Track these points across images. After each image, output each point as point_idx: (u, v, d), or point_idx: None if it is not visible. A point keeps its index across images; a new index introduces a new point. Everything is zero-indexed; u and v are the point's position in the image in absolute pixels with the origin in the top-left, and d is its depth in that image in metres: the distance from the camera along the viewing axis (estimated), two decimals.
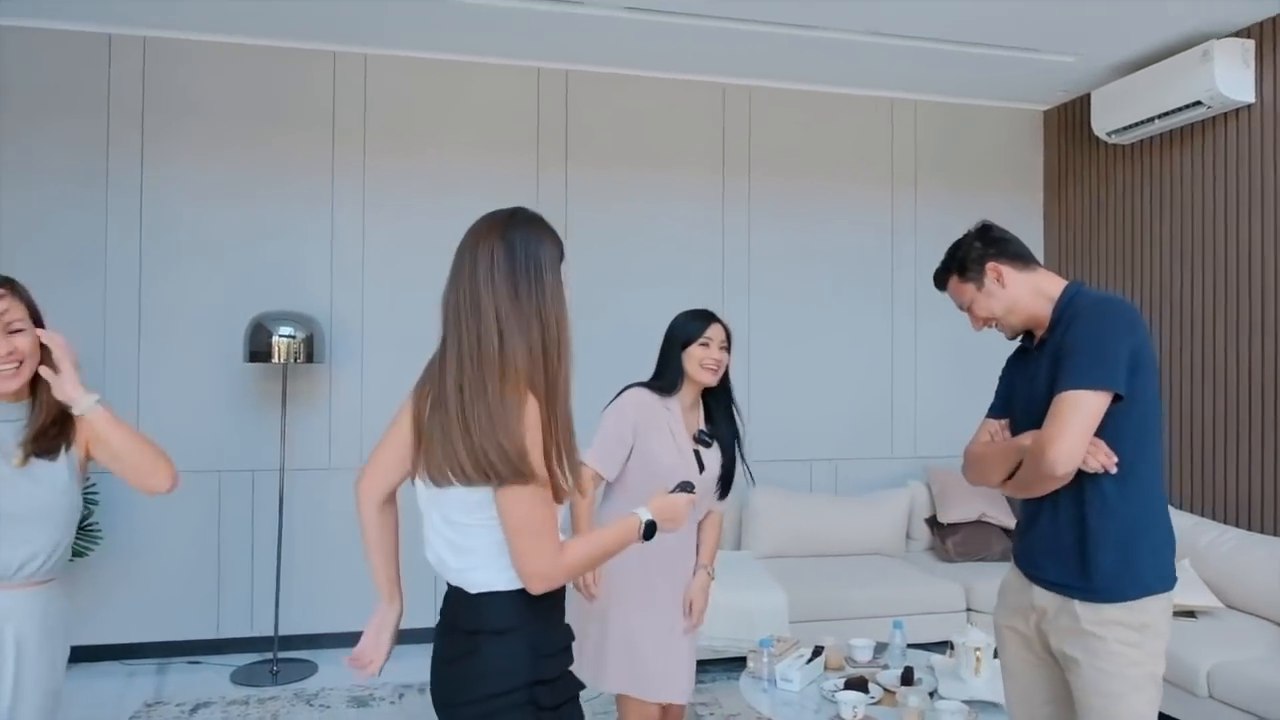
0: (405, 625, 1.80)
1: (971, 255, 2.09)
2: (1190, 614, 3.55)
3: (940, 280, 2.19)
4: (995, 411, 2.18)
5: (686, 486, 1.77)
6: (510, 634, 1.50)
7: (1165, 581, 1.91)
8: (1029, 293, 2.05)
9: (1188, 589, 3.60)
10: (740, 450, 2.65)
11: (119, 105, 4.16)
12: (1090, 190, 4.94)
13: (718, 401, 2.62)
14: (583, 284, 4.58)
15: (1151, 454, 1.94)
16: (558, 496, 1.51)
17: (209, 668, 4.07)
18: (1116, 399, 1.84)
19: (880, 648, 3.17)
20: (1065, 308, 1.99)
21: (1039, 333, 2.07)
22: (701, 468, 2.53)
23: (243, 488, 4.26)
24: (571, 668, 1.62)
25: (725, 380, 2.60)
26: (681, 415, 2.56)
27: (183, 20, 4.07)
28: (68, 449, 1.83)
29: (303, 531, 4.28)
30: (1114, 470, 1.85)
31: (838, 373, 4.99)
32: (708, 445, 2.57)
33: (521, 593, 1.50)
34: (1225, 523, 4.02)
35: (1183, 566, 3.73)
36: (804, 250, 4.96)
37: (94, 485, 3.85)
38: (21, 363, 1.76)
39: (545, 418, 1.48)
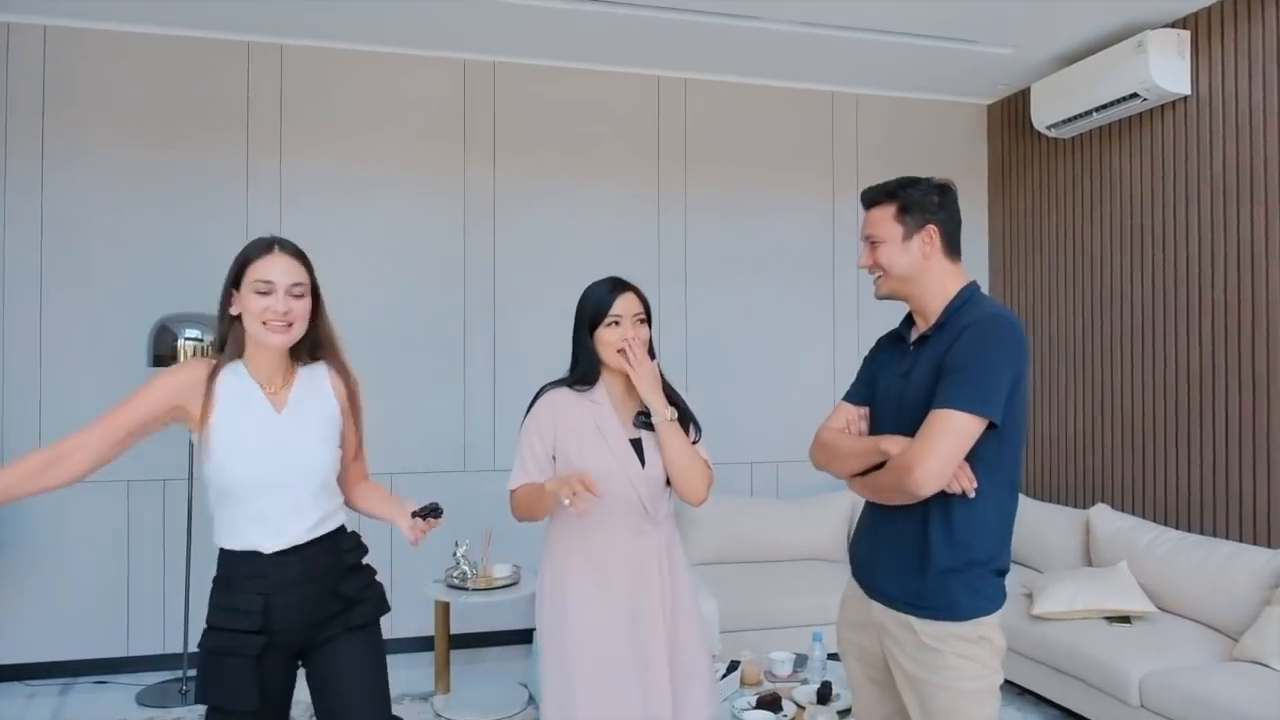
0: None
1: (925, 204, 1.88)
2: (1125, 619, 3.44)
3: (872, 198, 1.94)
4: (856, 398, 2.08)
5: (435, 510, 1.89)
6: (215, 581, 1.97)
7: (996, 603, 1.88)
8: (936, 278, 1.90)
9: (1122, 593, 3.50)
10: (688, 415, 2.28)
11: (18, 98, 3.96)
12: (1034, 184, 4.86)
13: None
14: (511, 281, 4.48)
15: (1004, 482, 1.88)
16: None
17: (116, 687, 3.89)
18: (990, 426, 1.77)
19: (801, 660, 3.06)
20: (955, 312, 1.88)
21: (921, 325, 1.95)
22: (643, 461, 2.19)
23: (153, 497, 4.07)
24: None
25: (650, 354, 2.22)
26: (613, 405, 2.22)
27: (87, 8, 3.87)
28: None
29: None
30: (971, 495, 1.80)
31: (779, 372, 4.87)
32: (653, 429, 2.19)
33: (221, 552, 1.97)
34: (1164, 524, 3.93)
35: (1119, 569, 3.64)
36: (743, 247, 4.83)
37: None
38: None
39: None
